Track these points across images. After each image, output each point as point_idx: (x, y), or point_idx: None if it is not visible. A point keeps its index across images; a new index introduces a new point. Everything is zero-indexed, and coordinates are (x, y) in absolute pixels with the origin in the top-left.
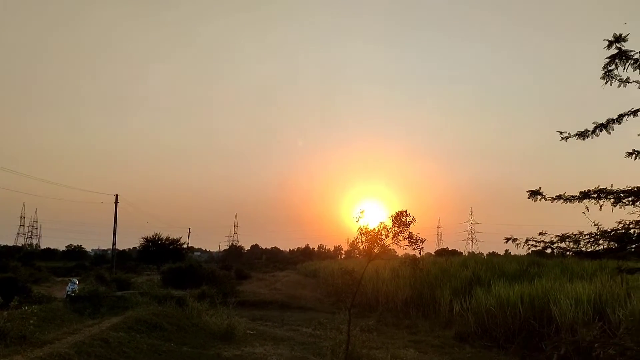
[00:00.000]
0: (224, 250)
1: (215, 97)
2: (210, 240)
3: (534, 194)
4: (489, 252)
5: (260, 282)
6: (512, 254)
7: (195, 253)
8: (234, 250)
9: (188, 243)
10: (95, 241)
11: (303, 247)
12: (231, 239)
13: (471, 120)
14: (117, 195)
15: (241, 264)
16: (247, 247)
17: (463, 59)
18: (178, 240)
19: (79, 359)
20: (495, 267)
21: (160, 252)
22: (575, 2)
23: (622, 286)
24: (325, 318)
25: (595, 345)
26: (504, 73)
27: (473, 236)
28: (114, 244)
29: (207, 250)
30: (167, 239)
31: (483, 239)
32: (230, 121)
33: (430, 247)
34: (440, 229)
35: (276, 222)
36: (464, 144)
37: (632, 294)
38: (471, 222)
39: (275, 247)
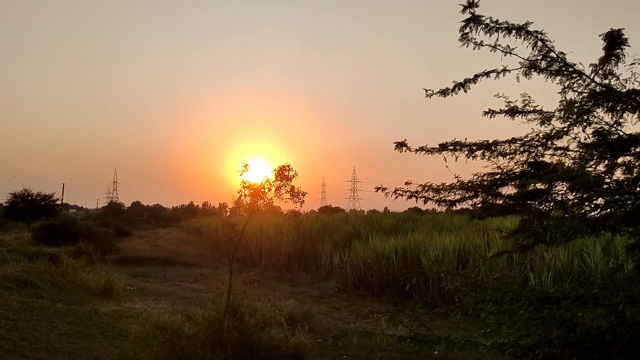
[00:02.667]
0: (103, 207)
1: (93, 48)
2: (87, 196)
3: (400, 145)
4: (370, 210)
5: (142, 239)
6: (390, 211)
7: (71, 210)
8: (114, 208)
9: (62, 199)
10: None
11: (187, 204)
12: (110, 195)
13: (357, 79)
14: None
15: (121, 222)
16: (127, 205)
17: (347, 19)
18: (51, 196)
19: None
20: (374, 222)
21: (31, 208)
22: None
23: (483, 239)
24: (209, 273)
25: (441, 275)
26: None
27: (355, 194)
28: None
29: (84, 207)
30: (39, 194)
31: (365, 197)
32: (106, 73)
33: (314, 205)
34: (325, 187)
35: (159, 179)
36: (348, 104)
37: (491, 245)
38: (354, 181)
39: (158, 204)
